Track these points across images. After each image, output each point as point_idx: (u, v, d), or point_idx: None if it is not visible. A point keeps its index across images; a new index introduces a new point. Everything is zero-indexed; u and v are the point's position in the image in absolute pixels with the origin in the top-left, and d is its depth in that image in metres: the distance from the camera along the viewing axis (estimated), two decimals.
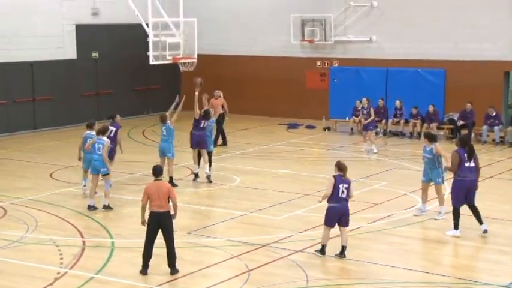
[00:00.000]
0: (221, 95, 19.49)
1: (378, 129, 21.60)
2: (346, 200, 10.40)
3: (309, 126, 23.12)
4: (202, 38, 23.18)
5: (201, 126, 15.34)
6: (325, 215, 10.52)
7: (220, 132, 19.23)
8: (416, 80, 22.13)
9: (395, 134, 21.37)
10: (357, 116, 21.64)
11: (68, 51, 23.06)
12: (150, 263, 9.92)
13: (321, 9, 23.79)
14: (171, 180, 14.39)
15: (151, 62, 19.09)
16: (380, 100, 21.64)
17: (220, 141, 19.28)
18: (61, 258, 10.45)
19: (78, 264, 10.24)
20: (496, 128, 19.69)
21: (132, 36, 23.82)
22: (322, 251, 10.55)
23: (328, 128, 22.60)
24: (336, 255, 10.44)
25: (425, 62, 22.12)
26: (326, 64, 24.16)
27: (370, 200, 13.72)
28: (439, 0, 22.11)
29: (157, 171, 9.97)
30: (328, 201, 10.43)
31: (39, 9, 22.08)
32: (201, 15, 22.87)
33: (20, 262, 10.33)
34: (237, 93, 25.54)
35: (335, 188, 10.32)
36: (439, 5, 22.07)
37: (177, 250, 9.90)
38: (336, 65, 23.92)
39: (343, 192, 10.33)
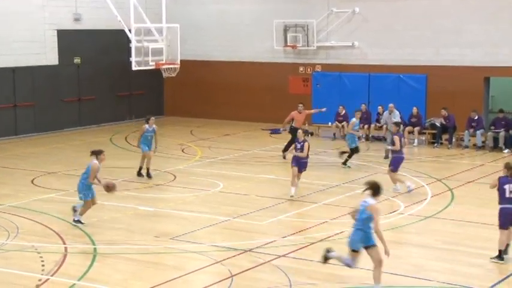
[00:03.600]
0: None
1: (361, 135, 21.73)
2: None
3: None
4: (185, 44, 23.20)
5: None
6: (498, 217, 10.35)
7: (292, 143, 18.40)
8: (398, 86, 22.31)
9: (377, 139, 21.49)
10: (339, 121, 21.83)
11: (50, 56, 22.92)
12: (130, 269, 9.77)
13: (304, 15, 23.90)
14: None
15: (133, 68, 19.05)
16: (363, 105, 21.78)
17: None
18: (43, 265, 10.36)
19: (60, 271, 10.16)
20: (478, 132, 19.91)
21: (115, 42, 23.75)
22: (499, 256, 10.35)
23: (311, 133, 22.69)
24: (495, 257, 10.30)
25: (407, 68, 22.30)
26: (309, 69, 24.27)
27: (353, 205, 13.76)
28: (420, 6, 22.31)
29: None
30: (498, 203, 10.31)
31: (20, 14, 21.93)
32: (184, 21, 22.89)
33: (1, 269, 10.22)
34: (220, 98, 25.57)
35: (501, 190, 10.22)
36: (421, 11, 22.28)
37: (158, 256, 9.85)
38: (319, 70, 24.04)
39: (510, 192, 10.17)
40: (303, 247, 11.21)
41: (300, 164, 14.52)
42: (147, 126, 16.15)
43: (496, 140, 19.84)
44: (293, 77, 24.54)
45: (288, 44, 24.17)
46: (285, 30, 24.15)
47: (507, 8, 21.07)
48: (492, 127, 20.04)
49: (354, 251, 9.14)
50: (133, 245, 11.34)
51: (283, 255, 10.80)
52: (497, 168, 17.14)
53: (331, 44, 23.78)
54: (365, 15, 23.16)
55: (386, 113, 19.78)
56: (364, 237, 9.02)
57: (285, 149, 18.27)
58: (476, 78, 21.44)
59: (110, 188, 12.31)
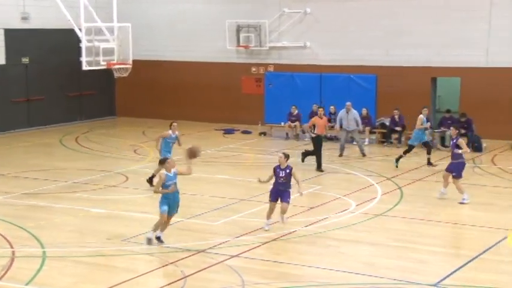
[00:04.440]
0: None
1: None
2: None
3: (245, 132, 23.25)
4: (138, 44, 22.92)
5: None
6: None
7: (319, 155, 17.23)
8: (349, 86, 22.62)
9: (329, 139, 21.73)
10: (292, 121, 22.00)
11: None
12: (81, 272, 9.57)
13: (256, 16, 24.00)
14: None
15: (84, 68, 18.75)
16: (314, 105, 21.98)
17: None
18: None
19: (7, 275, 9.93)
20: (426, 132, 20.31)
21: (64, 42, 23.34)
22: None
23: (264, 133, 22.80)
24: None
25: (357, 68, 22.64)
26: (261, 70, 24.38)
27: (304, 204, 13.92)
28: (370, 8, 22.68)
29: None
30: None
31: None
32: (136, 21, 22.65)
33: None
34: (173, 99, 25.43)
35: None
36: (371, 13, 22.65)
37: (109, 258, 9.74)
38: (271, 70, 24.17)
39: None
40: (256, 247, 11.26)
41: (283, 195, 11.98)
42: (170, 132, 15.31)
43: (443, 139, 20.33)
44: (246, 77, 24.60)
45: (241, 44, 24.23)
46: (238, 30, 24.20)
47: (454, 9, 21.62)
48: (442, 127, 20.45)
49: None
50: (84, 247, 11.18)
51: (237, 255, 10.82)
52: (443, 167, 17.57)
53: (283, 45, 23.94)
54: (316, 16, 23.40)
55: (342, 112, 19.53)
56: None
57: (304, 156, 17.65)
58: (424, 79, 21.94)
59: (193, 153, 11.37)
